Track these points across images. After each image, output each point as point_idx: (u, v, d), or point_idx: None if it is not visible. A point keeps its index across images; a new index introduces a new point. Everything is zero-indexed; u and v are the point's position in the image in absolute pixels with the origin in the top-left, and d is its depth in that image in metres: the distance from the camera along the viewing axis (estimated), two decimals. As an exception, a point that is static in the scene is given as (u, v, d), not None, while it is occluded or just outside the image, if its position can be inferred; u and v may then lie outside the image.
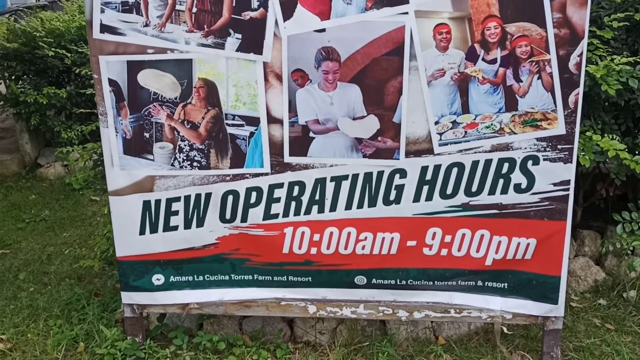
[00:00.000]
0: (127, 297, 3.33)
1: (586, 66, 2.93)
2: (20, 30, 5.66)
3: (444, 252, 3.10)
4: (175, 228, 3.17)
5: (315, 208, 3.08)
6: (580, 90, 2.79)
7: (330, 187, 3.05)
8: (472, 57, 2.83)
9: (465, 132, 2.91)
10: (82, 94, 5.77)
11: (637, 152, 3.33)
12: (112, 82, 2.97)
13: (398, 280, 3.17)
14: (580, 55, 2.75)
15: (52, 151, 6.27)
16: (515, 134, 2.89)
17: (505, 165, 2.94)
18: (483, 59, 2.83)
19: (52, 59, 5.48)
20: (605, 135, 3.20)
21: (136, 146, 3.06)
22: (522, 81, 2.83)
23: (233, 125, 3.01)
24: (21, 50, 5.59)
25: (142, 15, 2.89)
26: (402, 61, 2.84)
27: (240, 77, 2.95)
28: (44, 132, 5.95)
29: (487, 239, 3.05)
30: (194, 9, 2.87)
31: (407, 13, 2.78)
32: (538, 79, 2.82)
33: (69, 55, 5.54)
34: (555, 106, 2.83)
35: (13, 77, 5.83)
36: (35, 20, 5.85)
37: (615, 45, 3.41)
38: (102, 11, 2.89)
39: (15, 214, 5.77)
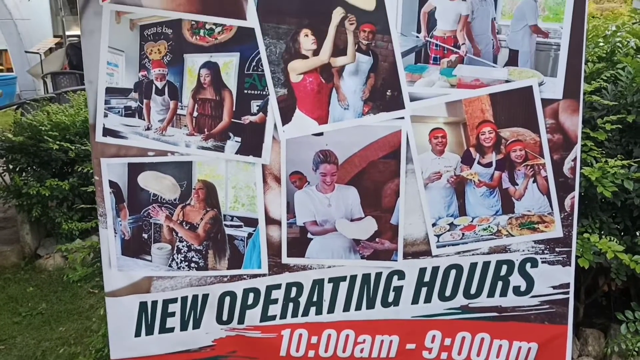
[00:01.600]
0: (121, 400, 3.25)
1: (581, 168, 2.97)
2: (27, 124, 5.79)
3: (444, 355, 3.04)
4: (172, 330, 3.12)
5: (313, 309, 3.05)
6: (576, 194, 2.82)
7: (328, 288, 3.03)
8: (467, 160, 2.87)
9: (463, 234, 2.92)
10: (84, 184, 5.83)
11: (636, 251, 3.32)
12: (112, 184, 3.01)
13: (398, 384, 3.10)
14: (575, 159, 2.79)
15: (52, 242, 6.29)
16: (512, 236, 2.90)
17: (504, 268, 2.93)
18: (479, 163, 2.87)
19: (57, 152, 5.59)
20: (603, 235, 3.21)
21: (134, 247, 3.06)
22: (517, 184, 2.86)
23: (231, 226, 3.02)
24: (26, 144, 5.71)
25: (144, 119, 2.96)
26: (399, 164, 2.88)
27: (239, 179, 2.98)
28: (45, 223, 5.99)
29: (488, 342, 3.00)
30: (195, 113, 2.95)
31: (403, 118, 2.85)
32: (534, 182, 2.85)
33: (72, 148, 5.65)
34: (552, 209, 2.85)
35: (17, 169, 5.92)
36: (41, 114, 5.99)
37: (609, 146, 3.47)
38: (105, 115, 2.96)
39: (12, 307, 5.71)
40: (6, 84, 14.06)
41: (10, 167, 6.02)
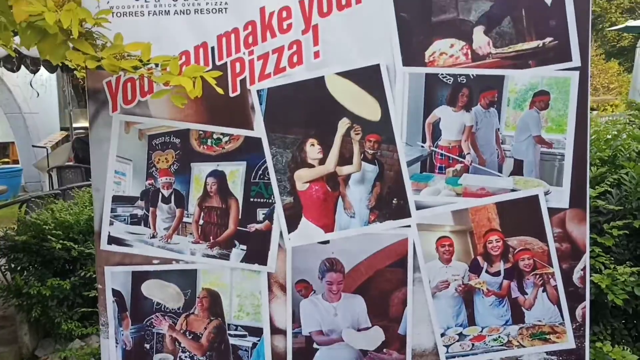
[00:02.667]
0: None
1: (591, 275, 2.93)
2: (30, 222, 5.80)
3: None
4: None
5: None
6: (587, 303, 2.77)
7: (334, 401, 2.93)
8: (475, 269, 2.84)
9: (473, 344, 2.85)
10: (86, 284, 5.76)
11: (651, 359, 3.23)
12: (115, 293, 2.97)
13: None
14: (584, 269, 2.76)
15: (51, 342, 6.14)
16: (524, 347, 2.83)
17: (516, 380, 2.84)
18: (487, 271, 2.84)
19: (59, 251, 5.56)
20: (616, 343, 3.13)
21: (136, 358, 2.98)
22: (527, 294, 2.82)
23: (235, 335, 2.95)
24: (29, 242, 5.68)
25: (149, 227, 2.95)
26: (406, 273, 2.85)
27: (244, 287, 2.94)
28: (44, 322, 5.87)
29: None
30: (201, 221, 2.94)
31: (409, 226, 2.84)
32: (543, 291, 2.81)
33: (75, 247, 5.63)
34: (563, 319, 2.79)
35: (19, 268, 5.88)
36: (45, 212, 6.01)
37: (617, 251, 3.44)
38: (111, 223, 2.95)
39: (6, 411, 5.50)
40: (12, 176, 14.19)
41: (12, 265, 5.96)
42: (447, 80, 2.79)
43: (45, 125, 15.78)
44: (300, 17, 2.84)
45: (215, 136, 2.92)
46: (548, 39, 2.72)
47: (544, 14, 2.73)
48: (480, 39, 2.76)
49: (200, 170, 2.94)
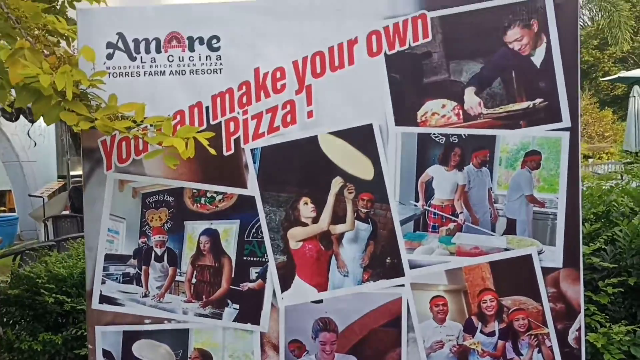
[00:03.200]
0: None
1: (586, 334, 2.90)
2: (24, 276, 5.75)
3: None
4: None
5: None
6: (583, 365, 2.74)
7: None
8: (470, 329, 2.82)
9: (469, 407, 2.80)
10: (78, 338, 5.68)
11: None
12: (106, 353, 2.93)
13: None
14: (579, 329, 2.74)
15: (40, 398, 6.02)
16: (520, 409, 2.78)
17: None
18: (481, 331, 2.81)
19: (52, 305, 5.50)
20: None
21: (125, 420, 2.93)
22: (522, 354, 2.79)
23: (227, 397, 2.90)
24: (22, 296, 5.63)
25: (141, 286, 2.93)
26: (400, 333, 2.83)
27: (236, 347, 2.91)
28: (35, 378, 5.77)
29: None
30: (194, 280, 2.93)
31: (403, 285, 2.83)
32: (538, 352, 2.78)
33: (68, 300, 5.57)
34: (559, 381, 2.75)
35: (10, 322, 5.80)
36: (39, 265, 5.97)
37: (612, 309, 3.42)
38: (103, 282, 2.94)
39: None
40: (8, 225, 14.13)
41: (4, 319, 5.89)
42: (439, 139, 2.82)
43: (42, 174, 15.82)
44: (294, 78, 2.88)
45: (209, 194, 2.93)
46: (538, 100, 2.76)
47: (534, 75, 2.77)
48: (472, 100, 2.80)
49: (194, 229, 2.94)
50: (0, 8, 2.80)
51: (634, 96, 14.28)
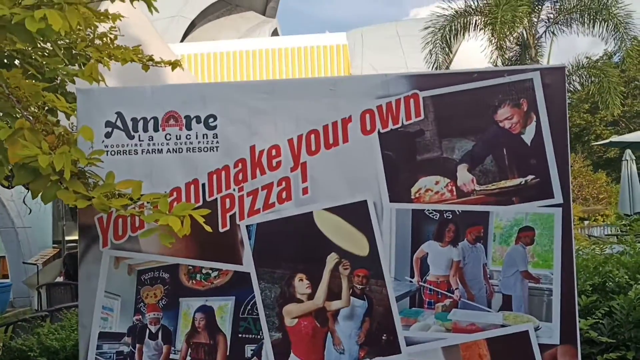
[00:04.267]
0: None
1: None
2: (15, 348, 5.68)
3: None
4: None
5: None
6: None
7: None
8: (468, 408, 2.77)
9: None
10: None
11: None
12: None
13: None
14: (579, 409, 2.70)
15: None
16: None
17: None
18: (480, 411, 2.77)
19: (43, 378, 5.41)
20: None
21: None
22: None
23: None
24: (13, 369, 5.54)
25: (135, 364, 2.90)
26: (398, 412, 2.78)
27: None
28: None
29: None
30: (188, 358, 2.90)
31: None
32: None
33: (60, 374, 5.48)
34: None
35: (0, 396, 5.68)
36: (32, 337, 5.90)
37: (613, 385, 3.37)
38: (96, 361, 2.90)
39: None
40: (0, 292, 13.96)
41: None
42: (433, 216, 2.84)
43: (37, 240, 15.73)
44: (289, 155, 2.93)
45: (204, 271, 2.93)
46: (530, 177, 2.81)
47: (525, 153, 2.83)
48: (464, 177, 2.84)
49: (189, 306, 2.93)
50: (1, 87, 2.86)
51: (627, 160, 14.44)
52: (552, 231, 2.78)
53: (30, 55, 3.35)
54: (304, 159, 2.93)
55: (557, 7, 16.02)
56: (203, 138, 2.98)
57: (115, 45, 4.26)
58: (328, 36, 20.72)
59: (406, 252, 2.85)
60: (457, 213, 2.83)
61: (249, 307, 2.89)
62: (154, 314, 2.93)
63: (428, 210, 2.85)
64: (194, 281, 2.93)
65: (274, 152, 2.95)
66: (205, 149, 2.98)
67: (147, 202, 2.71)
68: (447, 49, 16.99)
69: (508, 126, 2.85)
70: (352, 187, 2.89)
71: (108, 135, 3.00)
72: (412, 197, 2.86)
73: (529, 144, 2.83)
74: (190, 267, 2.93)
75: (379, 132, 2.91)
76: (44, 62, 3.42)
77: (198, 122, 2.99)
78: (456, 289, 2.81)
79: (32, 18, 2.54)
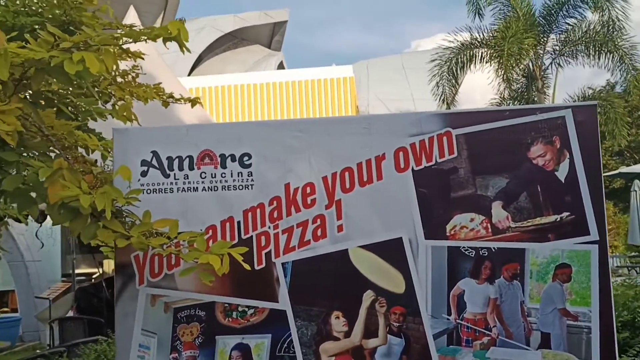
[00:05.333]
0: None
1: None
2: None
3: None
4: None
5: None
6: None
7: None
8: None
9: None
10: None
11: None
12: None
13: None
14: None
15: None
16: None
17: None
18: None
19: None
20: None
21: None
22: None
23: None
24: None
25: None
26: None
27: None
28: None
29: None
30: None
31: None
32: None
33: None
34: None
35: None
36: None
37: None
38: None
39: None
40: (10, 326, 13.88)
41: None
42: (469, 253, 2.86)
43: (47, 273, 15.69)
44: (323, 193, 2.96)
45: (240, 309, 2.94)
46: (565, 214, 2.83)
47: (559, 190, 2.85)
48: (499, 214, 2.86)
49: (225, 344, 2.93)
50: (35, 127, 2.91)
51: (635, 190, 14.43)
52: (589, 268, 2.79)
53: (65, 96, 3.40)
54: (338, 196, 2.96)
55: (563, 39, 16.16)
56: (238, 176, 3.01)
57: (136, 83, 4.33)
58: (335, 69, 20.92)
59: (442, 290, 2.86)
60: (493, 250, 2.85)
61: (285, 345, 2.89)
62: (191, 352, 2.93)
63: (464, 247, 2.86)
64: (230, 319, 2.94)
65: (308, 189, 2.98)
66: (240, 187, 3.01)
67: (183, 241, 2.74)
68: (453, 81, 17.12)
69: (542, 163, 2.88)
70: (387, 224, 2.91)
71: (144, 174, 3.03)
72: (448, 234, 2.88)
73: (563, 181, 2.86)
74: (227, 305, 2.94)
75: (412, 169, 2.94)
76: (78, 102, 3.47)
77: (233, 160, 3.02)
78: (494, 326, 2.81)
79: (70, 61, 2.60)
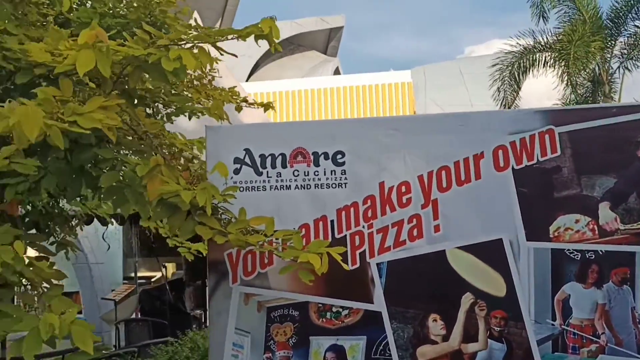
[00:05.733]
0: None
1: None
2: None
3: None
4: None
5: None
6: None
7: None
8: None
9: None
10: None
11: None
12: None
13: None
14: None
15: None
16: None
17: None
18: None
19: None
20: None
21: None
22: None
23: None
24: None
25: (265, 405, 2.86)
26: None
27: None
28: None
29: None
30: (318, 399, 2.84)
31: (541, 410, 2.67)
32: None
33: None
34: None
35: None
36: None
37: None
38: (227, 399, 2.87)
39: None
40: (75, 326, 14.23)
41: None
42: (574, 256, 2.74)
43: (109, 275, 16.03)
44: (419, 192, 2.89)
45: (334, 309, 2.89)
46: (678, 215, 2.69)
47: (672, 190, 2.71)
48: (607, 215, 2.74)
49: (319, 345, 2.88)
50: (127, 124, 2.93)
51: None
52: None
53: (157, 94, 3.43)
54: (435, 195, 2.88)
55: (631, 42, 15.65)
56: (331, 174, 2.97)
57: (212, 85, 4.34)
58: (392, 74, 20.84)
59: (546, 294, 2.75)
60: (601, 253, 2.72)
61: (380, 347, 2.83)
62: (284, 352, 2.90)
63: (569, 250, 2.75)
64: (324, 319, 2.89)
65: (403, 188, 2.91)
66: (334, 186, 2.97)
67: (276, 239, 2.71)
68: (515, 86, 16.78)
69: (652, 163, 2.74)
70: (486, 225, 2.82)
71: (237, 171, 3.02)
72: (551, 235, 2.77)
73: (676, 181, 2.72)
74: (320, 305, 2.90)
75: (512, 168, 2.84)
76: (169, 100, 3.50)
77: (326, 158, 2.98)
78: (602, 333, 2.68)
79: (167, 58, 2.60)
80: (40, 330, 2.34)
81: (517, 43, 16.48)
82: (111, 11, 4.12)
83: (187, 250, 5.05)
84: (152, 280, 15.54)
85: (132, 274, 14.77)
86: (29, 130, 2.16)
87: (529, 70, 16.62)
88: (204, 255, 5.80)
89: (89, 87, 2.98)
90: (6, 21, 3.20)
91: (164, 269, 12.16)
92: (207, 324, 10.84)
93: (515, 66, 16.52)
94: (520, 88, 17.02)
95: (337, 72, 27.47)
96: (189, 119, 3.64)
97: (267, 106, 4.80)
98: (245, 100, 4.56)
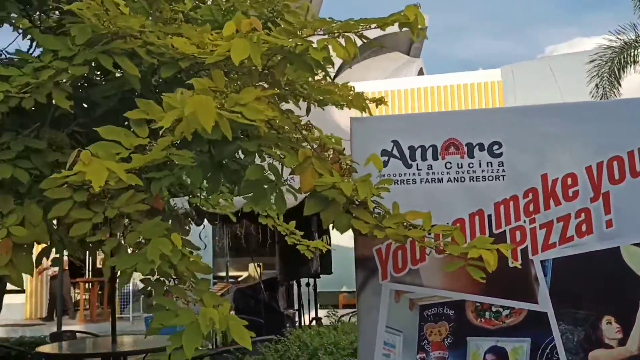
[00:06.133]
0: None
1: None
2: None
3: None
4: None
5: None
6: None
7: None
8: None
9: None
10: None
11: None
12: None
13: None
14: None
15: None
16: None
17: None
18: None
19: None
20: None
21: None
22: None
23: None
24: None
25: (421, 408, 2.71)
26: None
27: None
28: None
29: None
30: (478, 404, 2.67)
31: None
32: None
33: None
34: None
35: None
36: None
37: None
38: (380, 401, 2.75)
39: None
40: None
41: None
42: None
43: (199, 276, 16.38)
44: (587, 185, 2.68)
45: (494, 309, 2.72)
46: None
47: None
48: None
49: (478, 346, 2.72)
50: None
51: None
52: None
53: (295, 87, 3.35)
54: (606, 188, 2.66)
55: None
56: (487, 166, 2.80)
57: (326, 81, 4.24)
58: (482, 73, 20.31)
59: None
60: None
61: (547, 350, 2.64)
62: (440, 353, 2.74)
63: None
64: (482, 319, 2.72)
65: (569, 181, 2.70)
66: (490, 178, 2.79)
67: (428, 234, 2.56)
68: (615, 82, 15.99)
69: None
70: (666, 221, 2.58)
71: (385, 164, 2.89)
72: None
73: None
74: (478, 304, 2.73)
75: (699, 159, 2.59)
76: (309, 92, 3.41)
77: (481, 149, 2.82)
78: None
79: (314, 48, 2.50)
80: (200, 324, 2.27)
81: (618, 38, 15.72)
82: (232, 7, 4.09)
83: (305, 247, 4.98)
84: (239, 279, 15.73)
85: (223, 274, 15.00)
86: (205, 121, 2.09)
87: (631, 66, 15.81)
88: (323, 251, 5.75)
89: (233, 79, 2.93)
90: (148, 18, 3.20)
91: (258, 269, 12.23)
92: (300, 323, 10.84)
93: (615, 61, 15.74)
94: (620, 84, 16.21)
95: (420, 72, 27.06)
96: (341, 108, 3.54)
97: (379, 101, 4.68)
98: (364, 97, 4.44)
